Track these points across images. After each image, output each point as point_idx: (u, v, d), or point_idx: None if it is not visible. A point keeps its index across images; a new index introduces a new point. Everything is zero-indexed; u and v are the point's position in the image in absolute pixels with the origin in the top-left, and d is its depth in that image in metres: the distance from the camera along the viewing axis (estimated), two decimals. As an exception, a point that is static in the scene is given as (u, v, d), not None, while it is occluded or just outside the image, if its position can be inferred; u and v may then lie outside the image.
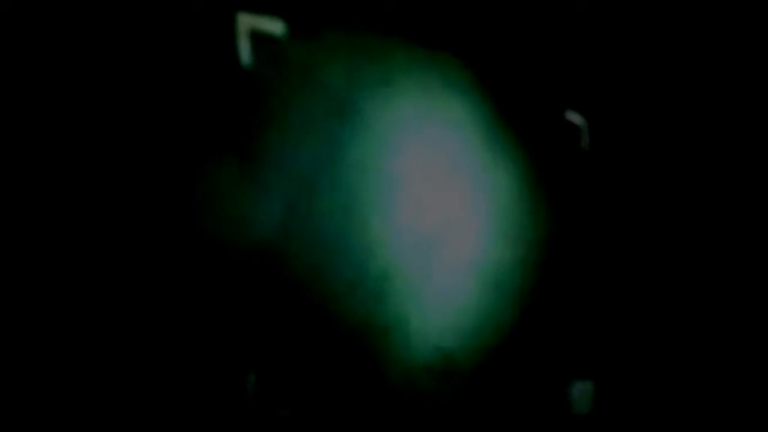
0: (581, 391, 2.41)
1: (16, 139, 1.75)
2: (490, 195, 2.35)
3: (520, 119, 2.42)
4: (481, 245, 2.29)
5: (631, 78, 2.54)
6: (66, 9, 1.81)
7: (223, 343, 1.88)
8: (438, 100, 2.30)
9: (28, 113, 1.78)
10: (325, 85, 2.11)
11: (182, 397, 1.83)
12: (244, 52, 2.00)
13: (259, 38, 2.02)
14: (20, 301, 1.72)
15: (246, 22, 2.01)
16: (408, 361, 2.14)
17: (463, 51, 2.33)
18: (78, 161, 1.81)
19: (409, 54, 2.26)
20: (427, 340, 2.18)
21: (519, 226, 2.38)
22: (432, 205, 2.25)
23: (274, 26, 2.06)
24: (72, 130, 1.82)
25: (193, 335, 1.85)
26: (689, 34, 2.49)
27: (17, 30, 1.73)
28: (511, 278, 2.34)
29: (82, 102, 1.83)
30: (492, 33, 2.39)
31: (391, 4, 2.23)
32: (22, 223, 1.74)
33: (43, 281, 1.74)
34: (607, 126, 2.53)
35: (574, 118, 2.47)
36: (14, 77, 1.74)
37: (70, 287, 1.77)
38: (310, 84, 2.09)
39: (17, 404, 1.69)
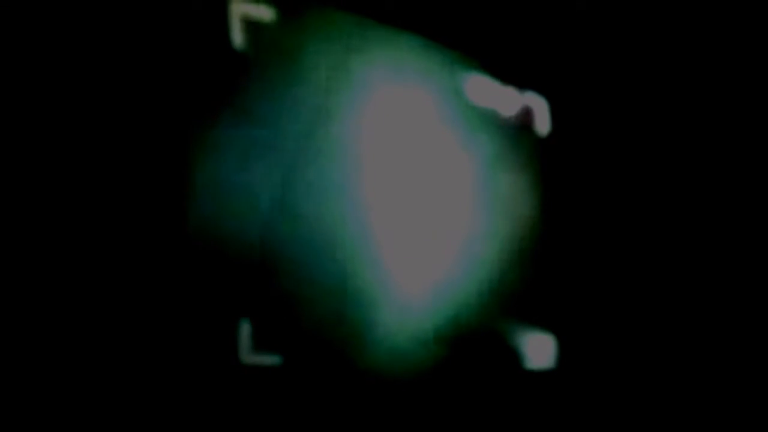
0: (539, 343, 2.49)
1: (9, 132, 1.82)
2: (473, 173, 2.43)
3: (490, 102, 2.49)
4: (470, 220, 2.38)
5: (595, 58, 2.58)
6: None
7: (214, 291, 1.97)
8: (425, 83, 2.36)
9: (14, 102, 1.83)
10: (315, 70, 2.18)
11: (171, 349, 1.91)
12: (237, 36, 2.07)
13: (251, 23, 2.09)
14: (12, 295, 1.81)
15: (239, 7, 2.07)
16: (414, 326, 2.26)
17: (451, 38, 2.39)
18: (66, 145, 1.86)
19: (398, 40, 2.32)
20: (433, 308, 2.29)
21: (500, 203, 2.46)
22: (422, 182, 2.33)
23: (265, 12, 2.12)
24: (62, 113, 1.85)
25: (182, 288, 1.92)
26: (658, 15, 2.53)
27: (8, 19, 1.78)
28: (498, 248, 2.44)
29: (72, 84, 1.87)
30: (480, 23, 2.43)
31: None
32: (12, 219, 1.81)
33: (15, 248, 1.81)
34: (569, 108, 2.58)
35: (535, 99, 2.54)
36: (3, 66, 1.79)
37: (60, 258, 1.85)
38: (300, 67, 2.16)
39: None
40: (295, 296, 2.06)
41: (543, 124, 2.56)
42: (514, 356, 2.43)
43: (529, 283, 2.50)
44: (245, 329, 1.99)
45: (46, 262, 1.83)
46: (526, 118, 2.54)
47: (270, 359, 2.02)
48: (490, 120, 2.47)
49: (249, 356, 1.99)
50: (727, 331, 2.50)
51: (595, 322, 2.56)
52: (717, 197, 2.55)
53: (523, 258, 2.50)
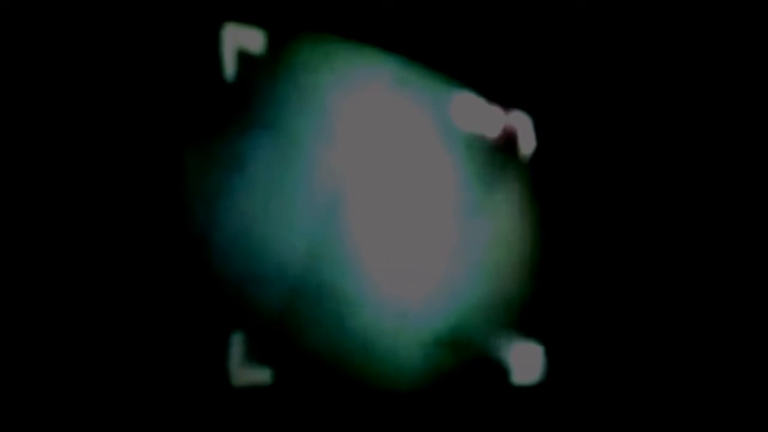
0: (528, 356, 2.50)
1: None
2: (460, 192, 2.46)
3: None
4: (458, 238, 2.40)
5: (579, 75, 2.62)
6: (49, 16, 1.88)
7: (206, 304, 1.95)
8: (413, 105, 2.41)
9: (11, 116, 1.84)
10: (308, 98, 2.21)
11: (162, 363, 1.89)
12: (229, 66, 2.08)
13: (243, 53, 2.11)
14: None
15: (231, 37, 2.10)
16: (417, 333, 2.27)
17: (443, 64, 2.43)
18: (60, 171, 1.88)
19: (385, 62, 2.37)
20: (433, 316, 2.31)
21: (487, 221, 2.49)
22: (411, 201, 2.36)
23: (258, 41, 2.15)
24: (54, 140, 1.88)
25: (173, 299, 1.91)
26: (645, 32, 2.57)
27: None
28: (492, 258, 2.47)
29: (64, 112, 1.89)
30: (466, 42, 2.48)
31: (376, 16, 2.32)
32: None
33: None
34: (553, 125, 2.62)
35: (519, 117, 2.58)
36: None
37: (57, 264, 1.84)
38: (293, 97, 2.19)
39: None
40: (288, 309, 2.06)
41: (528, 143, 2.59)
42: (502, 369, 2.42)
43: (519, 299, 2.51)
44: (237, 342, 1.98)
45: (42, 271, 1.83)
46: (510, 137, 2.57)
47: (262, 373, 2.01)
48: (475, 140, 2.50)
49: (241, 369, 1.97)
50: (724, 349, 2.50)
51: (586, 336, 2.56)
52: (708, 213, 2.58)
53: (511, 276, 2.52)
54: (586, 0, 2.53)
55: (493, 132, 2.55)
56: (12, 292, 1.80)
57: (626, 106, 2.63)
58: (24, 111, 1.87)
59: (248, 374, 1.99)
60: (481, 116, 2.53)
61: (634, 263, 2.58)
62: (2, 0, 1.73)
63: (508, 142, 2.56)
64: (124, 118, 1.96)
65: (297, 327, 2.07)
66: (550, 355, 2.50)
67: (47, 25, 1.89)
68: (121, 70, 1.97)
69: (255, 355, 2.00)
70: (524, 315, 2.52)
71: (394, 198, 2.33)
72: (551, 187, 2.60)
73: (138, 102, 1.97)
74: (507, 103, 2.54)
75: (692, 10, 2.53)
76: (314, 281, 2.13)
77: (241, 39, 2.13)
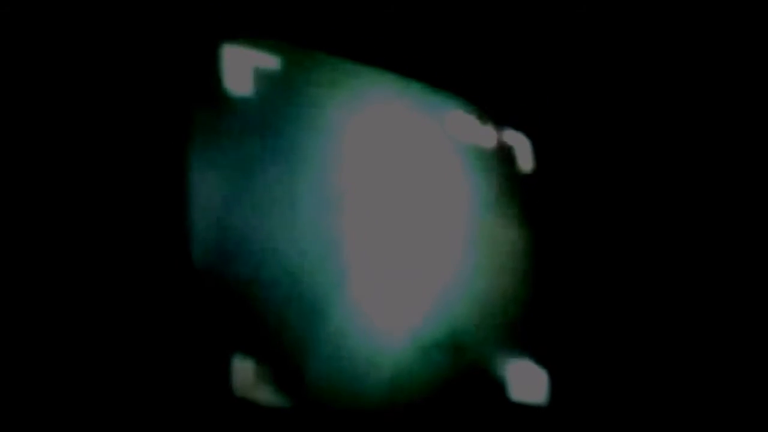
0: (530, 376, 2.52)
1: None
2: (460, 209, 2.47)
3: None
4: (457, 255, 2.43)
5: (577, 95, 2.64)
6: (53, 29, 1.89)
7: (209, 326, 1.94)
8: (418, 122, 2.43)
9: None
10: (312, 112, 2.23)
11: (166, 386, 1.88)
12: (232, 82, 2.09)
13: (247, 69, 2.12)
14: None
15: (234, 52, 2.10)
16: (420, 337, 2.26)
17: (434, 77, 2.45)
18: (68, 178, 1.87)
19: (382, 80, 2.38)
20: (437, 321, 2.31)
21: (486, 238, 2.51)
22: (411, 219, 2.38)
23: (263, 57, 2.16)
24: (62, 148, 1.88)
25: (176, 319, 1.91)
26: (640, 50, 2.59)
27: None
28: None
29: (65, 130, 1.89)
30: (462, 61, 2.50)
31: (383, 36, 2.35)
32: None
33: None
34: (552, 146, 2.63)
35: (517, 137, 2.60)
36: None
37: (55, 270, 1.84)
38: (300, 114, 2.20)
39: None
40: (289, 314, 2.06)
41: (526, 161, 2.61)
42: (501, 388, 2.42)
43: (517, 317, 2.52)
44: (241, 363, 1.97)
45: (46, 276, 1.83)
46: (505, 154, 2.59)
47: (271, 397, 2.00)
48: (473, 156, 2.53)
49: (248, 391, 1.97)
50: (725, 360, 2.51)
51: (586, 356, 2.56)
52: (707, 229, 2.60)
53: (510, 292, 2.53)
54: (581, 21, 2.56)
55: (490, 143, 2.57)
56: (12, 297, 1.79)
57: (622, 122, 2.65)
58: (29, 118, 1.88)
59: (250, 381, 1.99)
60: (478, 129, 2.55)
61: (632, 271, 2.59)
62: (2, 1, 1.74)
63: (504, 152, 2.58)
64: (131, 128, 1.96)
65: (297, 331, 2.07)
66: (547, 364, 2.50)
67: (66, 33, 1.90)
68: (131, 81, 1.98)
69: (256, 361, 1.99)
70: (522, 320, 2.53)
71: (395, 206, 2.35)
72: (549, 196, 2.62)
73: (145, 112, 1.98)
74: (502, 122, 2.57)
75: (686, 28, 2.56)
76: (315, 285, 2.14)
77: (251, 53, 2.14)
